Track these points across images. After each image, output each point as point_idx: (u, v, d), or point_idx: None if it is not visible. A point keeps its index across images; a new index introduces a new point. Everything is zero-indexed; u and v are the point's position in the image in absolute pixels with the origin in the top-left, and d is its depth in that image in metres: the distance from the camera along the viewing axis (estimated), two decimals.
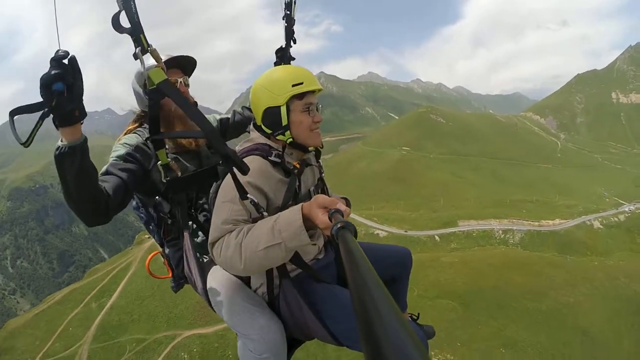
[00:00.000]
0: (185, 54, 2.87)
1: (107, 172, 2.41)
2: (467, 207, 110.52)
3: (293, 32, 3.37)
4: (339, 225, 1.32)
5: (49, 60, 1.61)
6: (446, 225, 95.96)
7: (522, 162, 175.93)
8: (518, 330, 50.23)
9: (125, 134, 2.80)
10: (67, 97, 1.67)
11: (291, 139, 2.38)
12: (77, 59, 1.67)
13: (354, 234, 1.27)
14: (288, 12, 3.30)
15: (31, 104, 1.64)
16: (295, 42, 3.40)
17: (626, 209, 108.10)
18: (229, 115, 3.59)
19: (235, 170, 1.93)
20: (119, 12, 1.75)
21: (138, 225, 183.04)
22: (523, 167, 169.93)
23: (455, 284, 60.10)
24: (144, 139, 2.63)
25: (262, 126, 2.41)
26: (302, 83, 2.30)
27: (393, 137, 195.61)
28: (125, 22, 1.78)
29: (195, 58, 2.93)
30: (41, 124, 1.69)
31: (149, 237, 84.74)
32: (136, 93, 2.89)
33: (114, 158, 2.53)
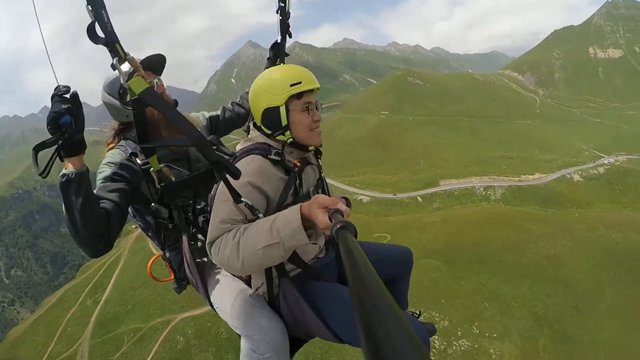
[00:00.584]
0: (153, 54, 2.75)
1: (99, 197, 2.31)
2: (447, 166, 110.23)
3: (288, 26, 3.22)
4: (339, 226, 1.32)
5: (51, 97, 1.74)
6: (427, 185, 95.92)
7: (501, 120, 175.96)
8: (500, 284, 50.23)
9: (109, 149, 2.69)
10: (75, 128, 1.81)
11: (291, 139, 2.37)
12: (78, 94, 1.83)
13: (354, 234, 1.27)
14: (282, 5, 3.12)
15: (49, 140, 1.79)
16: (290, 36, 3.26)
17: (605, 162, 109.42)
18: (219, 112, 3.43)
19: (228, 174, 1.94)
20: (93, 22, 1.73)
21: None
22: (502, 124, 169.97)
23: (437, 243, 59.66)
24: (128, 154, 2.55)
25: (262, 127, 2.41)
26: (300, 82, 2.29)
27: (371, 103, 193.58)
28: (100, 32, 1.78)
29: (164, 55, 2.82)
30: (57, 156, 1.86)
31: (136, 227, 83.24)
32: (109, 105, 2.75)
33: (101, 180, 2.46)
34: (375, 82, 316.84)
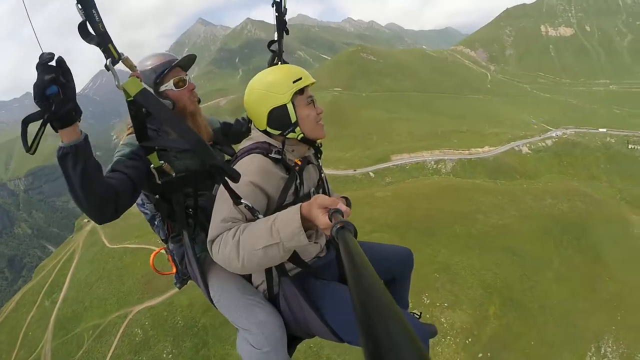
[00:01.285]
0: (187, 55, 2.83)
1: (112, 170, 2.36)
2: (400, 142, 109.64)
3: (285, 22, 3.10)
4: (339, 226, 1.33)
5: (35, 66, 1.62)
6: (380, 161, 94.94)
7: (453, 95, 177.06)
8: (450, 255, 50.25)
9: (128, 134, 2.68)
10: (63, 98, 1.69)
11: (302, 135, 2.41)
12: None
13: (354, 234, 1.29)
14: (278, 1, 2.99)
15: (36, 112, 1.68)
16: (287, 33, 3.17)
17: (553, 135, 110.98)
18: (232, 121, 3.49)
19: (227, 178, 1.98)
20: (84, 21, 1.71)
21: (78, 211, 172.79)
22: (454, 99, 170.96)
23: (389, 216, 59.10)
24: None
25: (269, 129, 2.42)
26: (301, 78, 2.34)
27: (324, 79, 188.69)
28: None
29: (195, 55, 2.92)
30: (44, 130, 1.75)
31: (88, 221, 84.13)
32: None
33: (118, 157, 2.47)
34: (330, 58, 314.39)
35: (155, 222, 2.94)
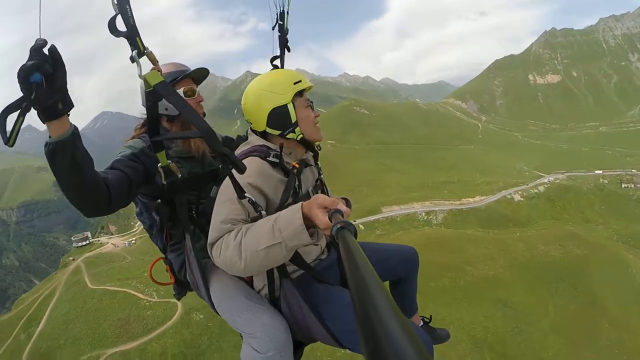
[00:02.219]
0: (200, 67, 2.88)
1: (111, 167, 2.37)
2: (390, 194, 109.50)
3: (287, 41, 3.10)
4: (339, 226, 1.29)
5: (29, 50, 1.53)
6: (370, 213, 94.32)
7: (444, 146, 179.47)
8: (437, 309, 47.97)
9: (132, 138, 2.72)
10: (47, 89, 1.58)
11: (301, 135, 2.37)
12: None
13: (354, 234, 1.26)
14: (281, 23, 3.06)
15: (14, 101, 1.57)
16: (289, 50, 3.13)
17: (545, 180, 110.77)
18: (234, 137, 3.42)
19: (233, 170, 1.97)
20: (115, 15, 1.76)
21: (66, 249, 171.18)
22: (446, 150, 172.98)
23: None
24: (148, 144, 2.55)
25: (268, 129, 2.38)
26: (300, 81, 2.36)
27: None
28: (120, 25, 1.80)
29: (208, 70, 2.96)
30: (23, 120, 1.61)
31: (73, 259, 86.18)
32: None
33: (119, 157, 2.48)
34: (325, 112, 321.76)
35: (153, 232, 2.88)
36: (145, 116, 2.58)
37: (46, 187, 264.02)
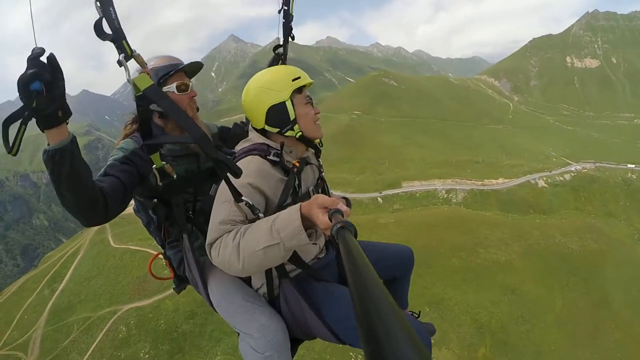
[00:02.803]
0: (194, 61, 2.88)
1: (105, 174, 2.36)
2: (412, 168, 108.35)
3: (291, 29, 3.16)
4: (339, 226, 1.33)
5: (26, 59, 1.57)
6: (389, 186, 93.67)
7: (472, 124, 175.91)
8: (445, 288, 48.80)
9: (123, 138, 2.72)
10: (47, 96, 1.62)
11: (300, 133, 2.41)
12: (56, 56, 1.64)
13: (354, 234, 1.30)
14: (286, 8, 3.06)
15: (18, 110, 1.61)
16: (293, 39, 3.20)
17: (573, 169, 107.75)
18: (230, 126, 3.50)
19: (229, 174, 1.98)
20: (100, 19, 1.73)
21: None
22: (473, 128, 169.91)
23: None
24: (140, 145, 2.55)
25: (267, 127, 2.41)
26: (299, 77, 2.38)
27: (344, 102, 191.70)
28: (107, 28, 1.78)
29: (202, 63, 2.98)
30: (25, 129, 1.66)
31: None
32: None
33: (111, 161, 2.49)
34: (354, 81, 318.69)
35: (151, 229, 2.94)
36: (135, 112, 2.60)
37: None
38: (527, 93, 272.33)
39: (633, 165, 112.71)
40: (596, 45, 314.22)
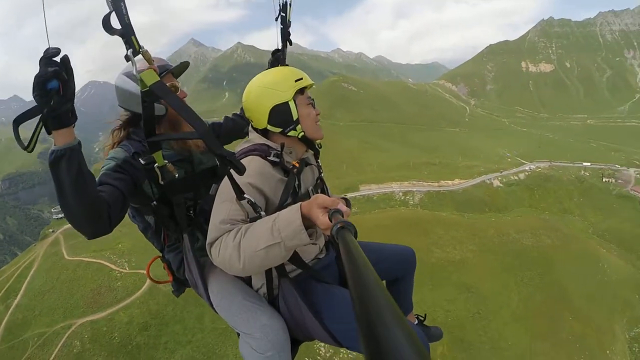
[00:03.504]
0: (182, 62, 2.89)
1: (101, 183, 2.30)
2: (370, 172, 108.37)
3: (289, 34, 3.21)
4: (339, 226, 1.32)
5: (39, 60, 1.57)
6: (347, 190, 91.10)
7: (430, 127, 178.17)
8: None
9: (112, 147, 2.67)
10: (63, 95, 1.65)
11: (302, 133, 2.41)
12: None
13: (355, 234, 1.30)
14: (284, 15, 3.13)
15: (31, 109, 1.63)
16: (290, 44, 3.25)
17: (527, 168, 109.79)
18: (221, 121, 3.44)
19: (232, 171, 1.98)
20: (109, 13, 1.71)
21: (50, 221, 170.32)
22: (431, 131, 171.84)
23: None
24: (131, 153, 2.53)
25: (269, 127, 2.41)
26: (302, 79, 2.39)
27: None
28: (115, 23, 1.76)
29: (188, 62, 2.97)
30: (42, 127, 1.68)
31: (52, 231, 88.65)
32: (128, 93, 2.69)
33: (104, 171, 2.42)
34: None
35: (148, 234, 2.87)
36: (122, 118, 2.70)
37: (30, 158, 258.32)
38: (483, 97, 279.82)
39: (589, 164, 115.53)
40: (550, 51, 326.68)
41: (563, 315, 48.32)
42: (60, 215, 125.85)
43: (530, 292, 51.00)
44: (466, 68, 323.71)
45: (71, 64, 1.63)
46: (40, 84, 1.54)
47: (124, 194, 2.25)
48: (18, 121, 1.59)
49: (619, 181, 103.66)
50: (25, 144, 1.61)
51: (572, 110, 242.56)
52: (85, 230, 1.98)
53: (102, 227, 2.02)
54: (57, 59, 1.57)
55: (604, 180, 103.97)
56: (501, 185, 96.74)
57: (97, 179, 2.20)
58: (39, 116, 1.62)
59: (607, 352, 45.69)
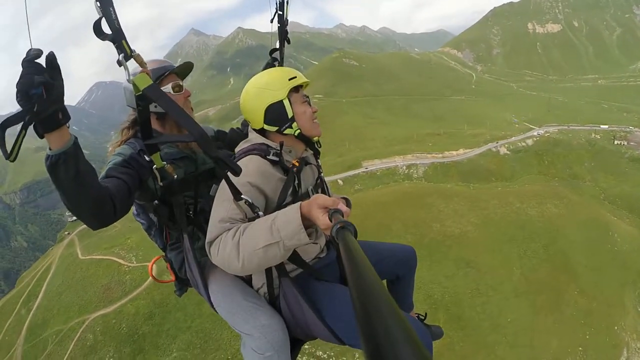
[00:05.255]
0: (185, 62, 2.90)
1: (107, 176, 2.34)
2: (373, 147, 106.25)
3: (287, 33, 3.18)
4: (339, 226, 1.33)
5: (21, 62, 1.51)
6: (350, 168, 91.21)
7: (435, 97, 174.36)
8: None
9: (120, 144, 2.71)
10: (47, 99, 1.56)
11: (299, 130, 2.43)
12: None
13: (355, 234, 1.31)
14: (281, 13, 3.09)
15: (16, 113, 1.56)
16: (289, 42, 3.23)
17: (535, 134, 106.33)
18: (227, 131, 3.42)
19: (229, 172, 2.00)
20: (100, 18, 1.72)
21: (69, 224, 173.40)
22: (436, 101, 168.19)
23: None
24: (137, 150, 2.55)
25: (265, 126, 2.44)
26: (295, 77, 2.40)
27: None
28: (106, 28, 1.77)
29: (192, 62, 2.98)
30: (25, 134, 1.63)
31: (68, 233, 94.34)
32: (132, 93, 2.53)
33: (110, 165, 2.46)
34: None
35: (152, 232, 2.89)
36: (130, 117, 2.75)
37: (44, 166, 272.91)
38: (490, 62, 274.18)
39: (606, 126, 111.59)
40: (557, 10, 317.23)
41: (568, 289, 46.35)
42: (74, 218, 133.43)
43: (534, 265, 48.95)
44: (471, 33, 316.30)
45: (58, 63, 1.57)
46: (23, 91, 1.48)
47: (129, 187, 2.26)
48: (3, 126, 1.53)
49: (631, 143, 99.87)
50: (8, 153, 1.55)
51: (582, 71, 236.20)
52: (90, 222, 2.02)
53: (107, 217, 2.04)
54: (40, 60, 1.50)
55: (615, 142, 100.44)
56: (508, 152, 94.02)
57: (104, 172, 2.30)
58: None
59: (615, 327, 43.69)
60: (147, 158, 2.38)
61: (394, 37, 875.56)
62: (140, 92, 1.82)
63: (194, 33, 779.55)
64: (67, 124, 1.70)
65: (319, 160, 2.70)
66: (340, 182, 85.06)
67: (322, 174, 2.72)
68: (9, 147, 1.55)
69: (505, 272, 47.72)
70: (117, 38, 1.73)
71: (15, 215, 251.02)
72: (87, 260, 67.16)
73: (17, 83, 1.48)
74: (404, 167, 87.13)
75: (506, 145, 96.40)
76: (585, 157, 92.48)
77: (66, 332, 54.17)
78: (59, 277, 68.18)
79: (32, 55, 1.47)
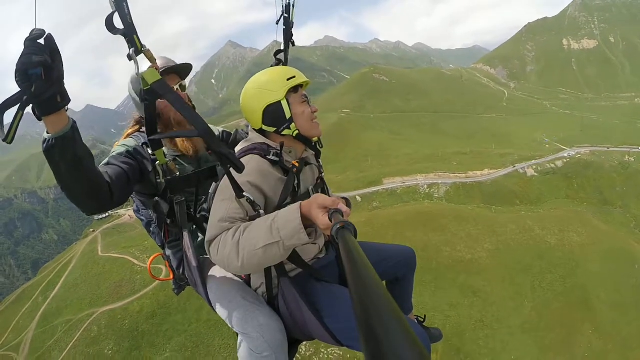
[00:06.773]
0: (184, 62, 2.95)
1: (108, 163, 2.45)
2: (396, 164, 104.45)
3: (292, 35, 3.33)
4: (339, 226, 1.34)
5: (23, 41, 1.49)
6: (371, 184, 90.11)
7: (464, 114, 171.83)
8: None
9: (125, 137, 2.84)
10: (46, 81, 1.54)
11: (297, 131, 2.44)
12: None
13: (355, 234, 1.32)
14: (287, 16, 3.24)
15: (14, 95, 1.53)
16: (294, 44, 3.36)
17: (565, 155, 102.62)
18: (232, 132, 3.52)
19: (231, 169, 1.99)
20: (112, 13, 1.75)
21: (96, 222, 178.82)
22: (465, 118, 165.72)
23: None
24: (141, 143, 2.68)
25: (264, 126, 2.45)
26: (294, 77, 2.40)
27: (335, 101, 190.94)
28: (118, 23, 1.80)
29: (191, 64, 3.04)
30: (22, 115, 1.57)
31: (93, 231, 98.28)
32: (133, 99, 2.92)
33: (114, 155, 2.57)
34: None
35: (151, 229, 2.95)
36: (134, 116, 2.92)
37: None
38: (523, 79, 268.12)
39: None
40: (593, 26, 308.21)
41: (582, 327, 43.40)
42: (100, 216, 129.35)
43: (547, 299, 46.31)
44: (505, 50, 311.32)
45: (57, 44, 1.54)
46: (22, 71, 1.46)
47: (128, 176, 2.32)
48: (2, 108, 1.51)
49: None
50: (4, 135, 1.52)
51: (619, 88, 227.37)
52: (85, 207, 2.04)
53: (103, 205, 2.09)
54: (41, 40, 1.48)
55: None
56: (535, 174, 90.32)
57: (106, 160, 2.38)
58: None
59: None
60: (150, 152, 2.47)
61: (429, 52, 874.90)
62: (149, 87, 1.85)
63: (231, 45, 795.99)
64: (66, 108, 1.68)
65: (319, 160, 2.69)
66: (358, 198, 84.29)
67: (322, 174, 2.71)
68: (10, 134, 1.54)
69: (515, 304, 45.52)
70: (129, 33, 1.76)
71: (48, 209, 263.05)
72: (105, 257, 71.82)
73: (17, 62, 1.46)
74: (425, 186, 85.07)
75: (534, 167, 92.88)
76: (617, 181, 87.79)
77: (75, 323, 57.85)
78: (77, 270, 72.44)
79: (34, 35, 1.45)
